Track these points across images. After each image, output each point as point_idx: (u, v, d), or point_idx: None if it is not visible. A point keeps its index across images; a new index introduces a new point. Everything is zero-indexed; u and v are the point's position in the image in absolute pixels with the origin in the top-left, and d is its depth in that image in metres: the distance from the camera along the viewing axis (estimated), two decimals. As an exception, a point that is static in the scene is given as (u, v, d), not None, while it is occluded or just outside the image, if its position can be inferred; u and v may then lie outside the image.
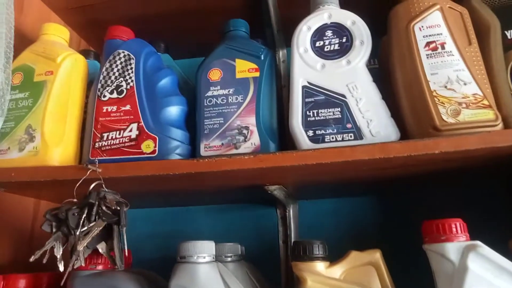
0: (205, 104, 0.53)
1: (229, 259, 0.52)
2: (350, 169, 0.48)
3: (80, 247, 0.43)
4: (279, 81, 0.65)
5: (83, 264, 0.45)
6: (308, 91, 0.49)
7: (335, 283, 0.45)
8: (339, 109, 0.47)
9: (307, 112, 0.48)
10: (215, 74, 0.54)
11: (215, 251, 0.48)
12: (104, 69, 0.55)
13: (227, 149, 0.50)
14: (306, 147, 0.47)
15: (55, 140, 0.52)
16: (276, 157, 0.45)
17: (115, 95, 0.53)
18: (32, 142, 0.51)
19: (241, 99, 0.52)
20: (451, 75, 0.46)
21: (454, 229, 0.42)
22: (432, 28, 0.48)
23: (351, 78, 0.48)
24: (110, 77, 0.54)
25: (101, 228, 0.45)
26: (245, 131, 0.51)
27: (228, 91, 0.53)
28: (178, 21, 0.72)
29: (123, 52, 0.55)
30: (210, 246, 0.47)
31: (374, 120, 0.46)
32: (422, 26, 0.49)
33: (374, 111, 0.47)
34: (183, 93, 0.56)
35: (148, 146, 0.50)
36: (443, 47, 0.47)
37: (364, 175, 0.52)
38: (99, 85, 0.54)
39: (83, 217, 0.44)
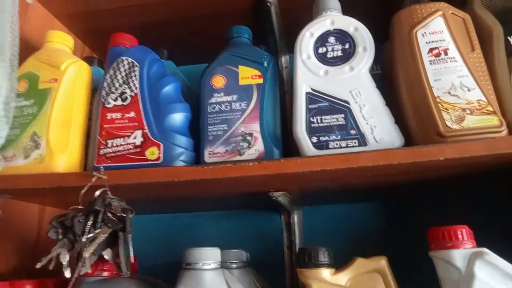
0: (209, 111, 0.53)
1: (234, 265, 0.52)
2: (355, 176, 0.49)
3: (86, 254, 0.43)
4: (282, 87, 0.65)
5: (89, 271, 0.45)
6: (312, 97, 0.49)
7: (340, 290, 0.45)
8: (342, 115, 0.48)
9: (311, 118, 0.48)
10: (218, 81, 0.55)
11: (220, 257, 0.48)
12: (108, 76, 0.55)
13: (231, 155, 0.50)
14: (310, 154, 0.47)
15: (60, 147, 0.52)
16: (280, 163, 0.45)
17: (119, 102, 0.53)
18: (37, 149, 0.52)
19: (245, 106, 0.52)
20: (455, 81, 0.46)
21: (460, 236, 0.42)
22: (435, 34, 0.48)
23: (355, 84, 0.49)
24: (114, 84, 0.54)
25: (106, 235, 0.45)
26: (249, 138, 0.51)
27: (232, 98, 0.53)
28: (181, 28, 0.72)
29: (127, 59, 0.56)
30: (216, 253, 0.47)
31: (378, 126, 0.46)
32: (425, 32, 0.49)
33: (378, 117, 0.47)
34: (186, 100, 0.56)
35: (152, 153, 0.50)
36: (446, 53, 0.47)
37: (369, 181, 0.52)
38: (103, 92, 0.54)
39: (89, 224, 0.45)
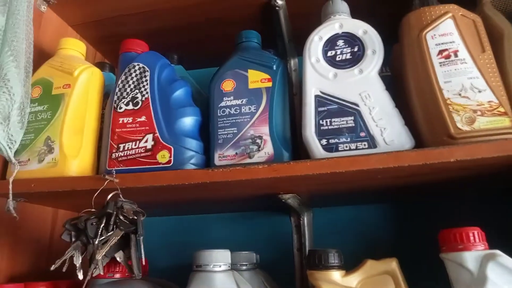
0: (219, 114, 0.54)
1: (244, 267, 0.53)
2: (365, 178, 0.48)
3: (98, 256, 0.44)
4: (291, 90, 0.66)
5: (101, 273, 0.46)
6: (321, 100, 0.50)
7: (351, 292, 0.45)
8: (352, 118, 0.48)
9: (320, 121, 0.49)
10: (228, 85, 0.55)
11: (231, 259, 0.48)
12: (119, 82, 0.56)
13: (241, 158, 0.51)
14: (320, 156, 0.47)
15: (73, 152, 0.53)
16: (290, 166, 0.46)
17: (130, 106, 0.54)
18: (51, 154, 0.53)
19: (254, 109, 0.53)
20: (465, 82, 0.46)
21: (472, 238, 0.41)
22: (445, 36, 0.48)
23: (364, 87, 0.49)
24: (125, 89, 0.55)
25: (118, 237, 0.45)
26: (258, 141, 0.51)
27: (241, 101, 0.54)
28: (190, 33, 0.73)
29: (138, 65, 0.57)
30: (226, 255, 0.47)
31: (388, 128, 0.46)
32: (435, 35, 0.49)
33: (388, 119, 0.47)
34: (196, 104, 0.57)
35: (163, 156, 0.51)
36: (456, 55, 0.47)
37: (379, 183, 0.52)
38: (115, 97, 0.55)
39: (101, 227, 0.45)
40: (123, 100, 0.55)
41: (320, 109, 0.49)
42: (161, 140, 0.51)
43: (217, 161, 0.52)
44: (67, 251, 0.45)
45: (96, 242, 0.45)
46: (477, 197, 0.64)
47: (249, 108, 0.53)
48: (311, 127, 0.49)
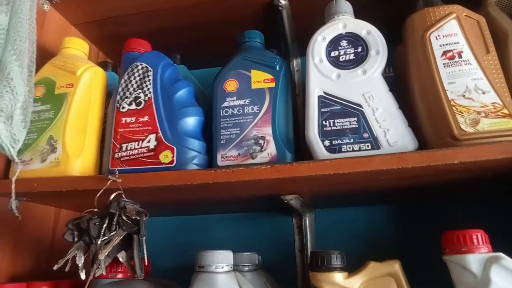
0: (222, 115, 0.54)
1: (246, 268, 0.53)
2: (368, 179, 0.48)
3: (101, 256, 0.44)
4: (294, 90, 0.65)
5: (104, 273, 0.46)
6: (324, 101, 0.50)
7: (353, 294, 0.45)
8: (355, 118, 0.47)
9: (323, 122, 0.48)
10: (231, 85, 0.55)
11: (233, 260, 0.48)
12: (122, 81, 0.56)
13: (244, 159, 0.51)
14: (323, 157, 0.47)
15: (75, 151, 0.53)
16: (292, 167, 0.45)
17: (133, 106, 0.54)
18: (53, 153, 0.53)
19: (257, 110, 0.53)
20: (469, 84, 0.45)
21: (475, 241, 0.41)
22: (449, 37, 0.48)
23: (367, 87, 0.48)
24: (128, 89, 0.55)
25: (121, 237, 0.45)
26: (261, 141, 0.51)
27: (244, 102, 0.54)
28: (193, 33, 0.73)
29: (141, 64, 0.56)
30: (229, 256, 0.47)
31: (391, 129, 0.46)
32: (439, 35, 0.48)
33: (391, 120, 0.47)
34: (199, 104, 0.57)
35: (166, 157, 0.51)
36: (460, 56, 0.47)
37: (382, 184, 0.52)
38: (118, 97, 0.55)
39: (104, 227, 0.45)
40: (126, 100, 0.55)
41: (323, 109, 0.49)
42: (164, 140, 0.51)
43: (219, 162, 0.52)
44: (69, 251, 0.45)
45: (99, 242, 0.45)
46: (480, 199, 0.64)
47: (252, 109, 0.53)
48: (314, 128, 0.48)
